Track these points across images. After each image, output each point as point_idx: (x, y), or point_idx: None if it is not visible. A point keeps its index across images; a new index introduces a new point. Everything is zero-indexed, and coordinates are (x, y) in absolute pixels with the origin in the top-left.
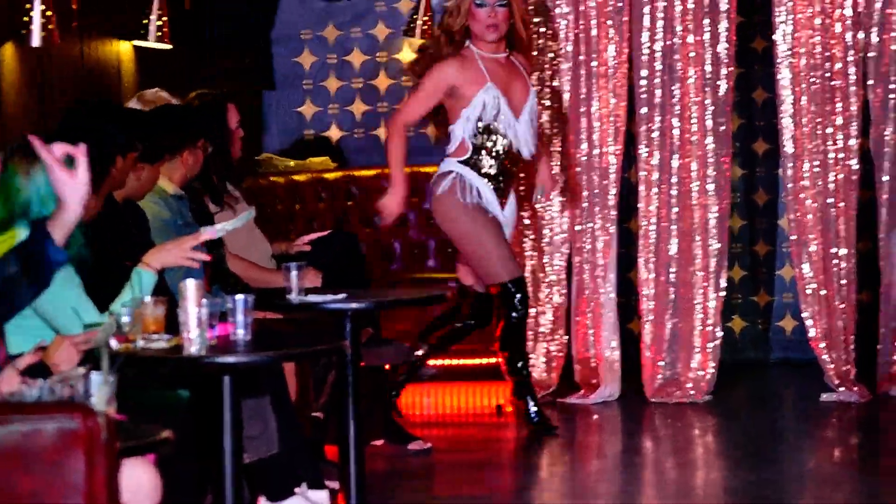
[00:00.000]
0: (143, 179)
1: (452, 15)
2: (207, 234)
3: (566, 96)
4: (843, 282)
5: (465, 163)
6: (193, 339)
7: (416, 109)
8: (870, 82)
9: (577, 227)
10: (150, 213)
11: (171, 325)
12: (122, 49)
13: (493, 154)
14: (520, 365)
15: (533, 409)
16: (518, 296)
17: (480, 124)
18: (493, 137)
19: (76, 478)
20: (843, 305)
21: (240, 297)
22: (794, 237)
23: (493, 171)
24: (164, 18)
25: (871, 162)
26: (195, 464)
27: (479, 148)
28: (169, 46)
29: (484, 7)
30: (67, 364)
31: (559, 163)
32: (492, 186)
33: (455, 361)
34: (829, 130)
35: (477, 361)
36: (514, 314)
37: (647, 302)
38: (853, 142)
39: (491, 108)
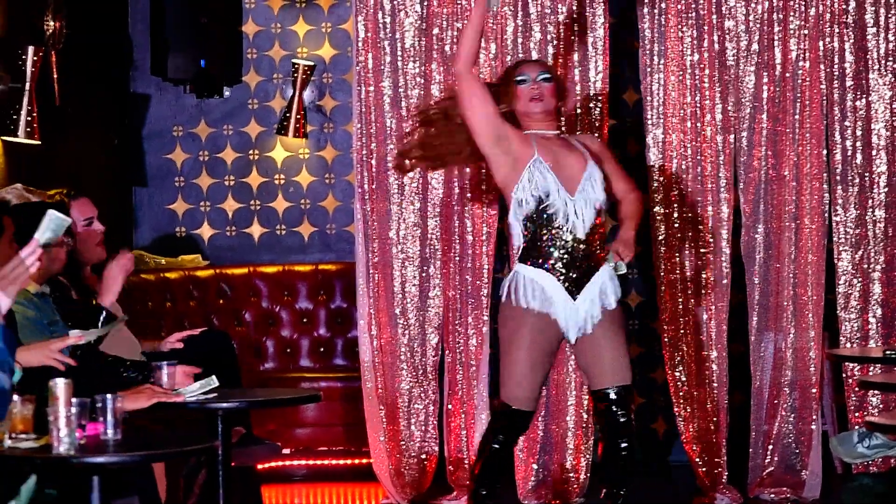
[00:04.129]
0: None
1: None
2: (75, 337)
3: (440, 195)
4: (715, 384)
5: (525, 259)
6: (62, 439)
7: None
8: (740, 185)
9: (450, 327)
10: (18, 316)
11: (41, 423)
12: None
13: (557, 243)
14: (482, 492)
15: None
16: (507, 426)
17: (531, 207)
18: (553, 222)
19: None
20: (715, 408)
21: (109, 396)
22: (666, 339)
23: (560, 265)
24: (35, 114)
25: (743, 264)
26: None
27: (538, 237)
28: (38, 142)
29: (525, 83)
30: None
31: None
32: (562, 282)
33: (326, 462)
34: (701, 233)
35: (348, 462)
36: (494, 443)
37: None
38: (724, 244)
39: (541, 185)
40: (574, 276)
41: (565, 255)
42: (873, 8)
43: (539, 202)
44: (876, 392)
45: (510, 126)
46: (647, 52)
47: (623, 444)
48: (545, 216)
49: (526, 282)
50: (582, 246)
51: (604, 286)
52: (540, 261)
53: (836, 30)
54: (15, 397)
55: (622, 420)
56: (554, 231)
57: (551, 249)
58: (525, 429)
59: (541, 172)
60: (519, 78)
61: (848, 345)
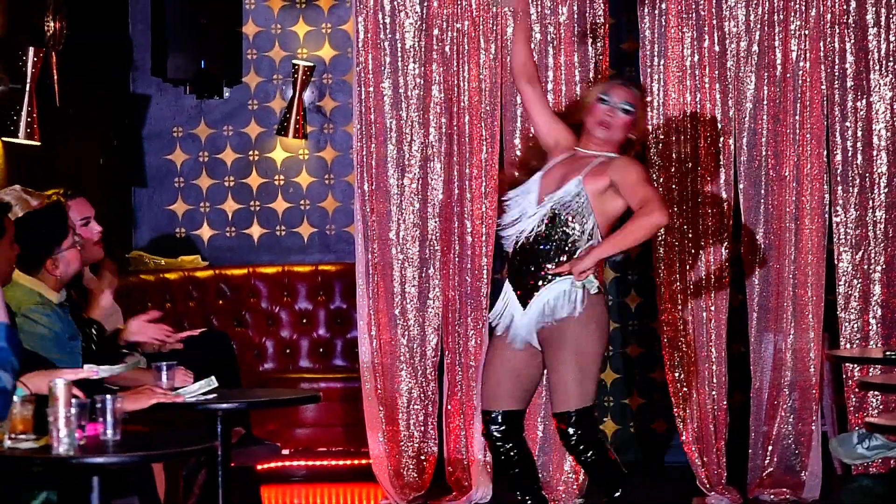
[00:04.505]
0: None
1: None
2: (88, 372)
3: (440, 196)
4: (715, 385)
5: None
6: (62, 439)
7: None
8: (740, 186)
9: (449, 328)
10: (42, 325)
11: (40, 424)
12: None
13: (516, 246)
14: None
15: None
16: (491, 429)
17: (512, 216)
18: (518, 226)
19: None
20: (714, 408)
21: (108, 396)
22: (666, 339)
23: (513, 267)
24: (35, 115)
25: (743, 265)
26: None
27: (510, 242)
28: (38, 143)
29: (605, 104)
30: None
31: None
32: (513, 286)
33: (325, 462)
34: (701, 233)
35: (348, 462)
36: (499, 454)
37: None
38: (724, 245)
39: (523, 193)
40: (526, 285)
41: (516, 262)
42: (874, 8)
43: (519, 211)
44: (876, 393)
45: (556, 139)
46: (648, 52)
47: (586, 463)
48: (516, 223)
49: (503, 290)
50: (533, 256)
51: (554, 300)
52: (506, 268)
53: (837, 30)
54: (15, 397)
55: (574, 443)
56: (519, 237)
57: (513, 253)
58: (517, 427)
59: (530, 183)
60: (601, 96)
61: (848, 346)
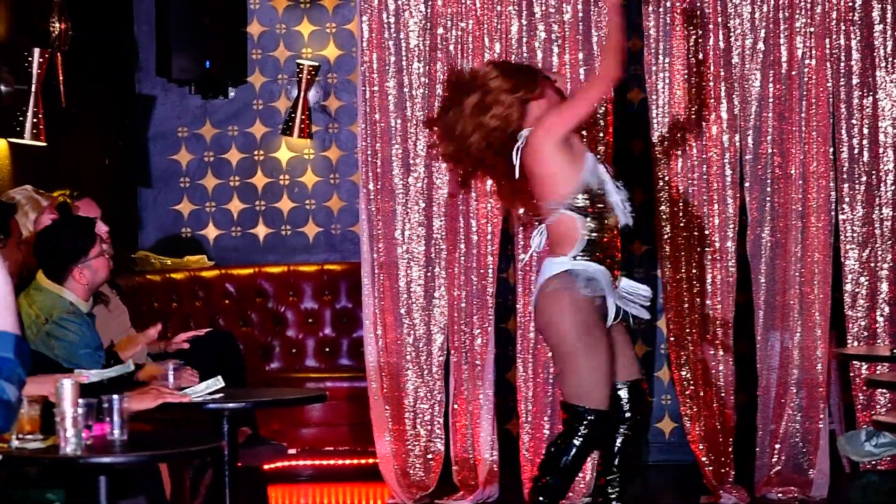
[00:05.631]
0: None
1: None
2: (81, 377)
3: (445, 195)
4: (722, 384)
5: (582, 254)
6: (69, 439)
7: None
8: (746, 184)
9: (455, 327)
10: (72, 333)
11: (48, 424)
12: None
13: (607, 231)
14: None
15: None
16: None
17: (587, 198)
18: (606, 211)
19: None
20: (721, 407)
21: (115, 396)
22: (672, 339)
23: (607, 251)
24: (41, 116)
25: (748, 264)
26: None
27: (594, 227)
28: (44, 144)
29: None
30: None
31: None
32: (605, 269)
33: (332, 462)
34: (707, 232)
35: (354, 462)
36: (574, 441)
37: (525, 403)
38: (730, 244)
39: (594, 173)
40: (615, 263)
41: (611, 244)
42: (880, 5)
43: (598, 194)
44: (883, 391)
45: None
46: (652, 50)
47: (637, 431)
48: (602, 206)
49: (581, 274)
50: (617, 236)
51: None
52: (594, 251)
53: (843, 27)
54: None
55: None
56: (607, 221)
57: (604, 238)
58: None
59: (595, 163)
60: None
61: (855, 343)
